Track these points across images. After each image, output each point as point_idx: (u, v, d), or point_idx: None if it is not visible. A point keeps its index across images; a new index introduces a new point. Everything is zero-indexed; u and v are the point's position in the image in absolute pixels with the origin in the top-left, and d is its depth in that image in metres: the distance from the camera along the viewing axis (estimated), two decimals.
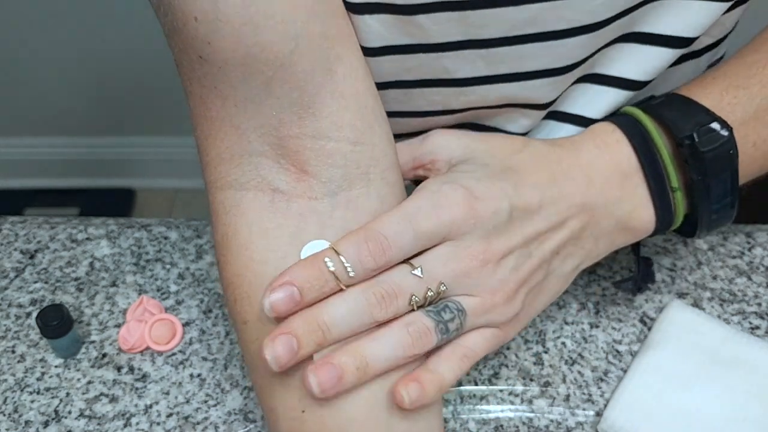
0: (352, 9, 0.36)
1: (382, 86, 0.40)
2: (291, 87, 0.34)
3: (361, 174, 0.36)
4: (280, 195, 0.36)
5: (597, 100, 0.44)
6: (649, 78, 0.42)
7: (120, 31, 1.39)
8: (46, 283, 0.54)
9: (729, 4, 0.39)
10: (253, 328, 0.36)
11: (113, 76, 1.48)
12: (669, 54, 0.41)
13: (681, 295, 0.53)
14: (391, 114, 0.42)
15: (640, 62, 0.42)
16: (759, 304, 0.52)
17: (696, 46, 0.44)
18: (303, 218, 0.36)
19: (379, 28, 0.36)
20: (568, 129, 0.45)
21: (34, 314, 0.52)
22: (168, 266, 0.55)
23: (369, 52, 0.38)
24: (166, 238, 0.57)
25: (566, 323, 0.51)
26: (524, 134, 0.45)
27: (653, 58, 0.41)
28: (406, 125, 0.44)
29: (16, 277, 0.55)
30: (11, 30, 1.42)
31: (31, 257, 0.56)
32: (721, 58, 0.50)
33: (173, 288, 0.54)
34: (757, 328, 0.51)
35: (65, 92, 1.52)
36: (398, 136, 0.45)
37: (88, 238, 0.57)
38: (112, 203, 1.66)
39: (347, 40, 0.36)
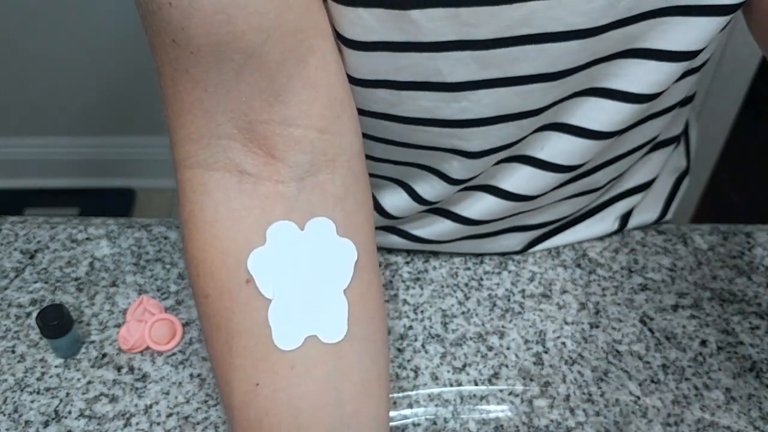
0: (346, 1, 0.36)
1: (372, 84, 0.40)
2: (261, 75, 0.35)
3: (327, 161, 0.37)
4: (247, 177, 0.37)
5: (602, 113, 0.43)
6: (656, 91, 0.42)
7: (120, 30, 1.40)
8: (46, 283, 0.54)
9: (730, 17, 0.39)
10: (213, 303, 0.37)
11: (113, 75, 1.48)
12: (675, 68, 0.41)
13: (681, 295, 0.53)
14: (377, 116, 0.42)
15: (646, 77, 0.41)
16: (759, 304, 0.52)
17: (698, 61, 0.44)
18: (269, 200, 0.37)
19: (373, 22, 0.37)
20: (568, 140, 0.45)
21: (34, 314, 0.52)
22: (168, 266, 0.55)
23: (361, 46, 0.38)
24: (166, 238, 0.57)
25: (566, 323, 0.51)
26: (514, 143, 0.44)
27: (659, 72, 0.41)
28: (391, 131, 0.44)
29: (16, 277, 0.55)
30: (12, 30, 1.42)
31: (31, 257, 0.56)
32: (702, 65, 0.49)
33: (173, 288, 0.54)
34: (757, 328, 0.51)
35: (65, 92, 1.52)
36: (383, 141, 0.45)
37: (88, 238, 0.57)
38: (112, 203, 1.66)
39: (321, 33, 0.36)
